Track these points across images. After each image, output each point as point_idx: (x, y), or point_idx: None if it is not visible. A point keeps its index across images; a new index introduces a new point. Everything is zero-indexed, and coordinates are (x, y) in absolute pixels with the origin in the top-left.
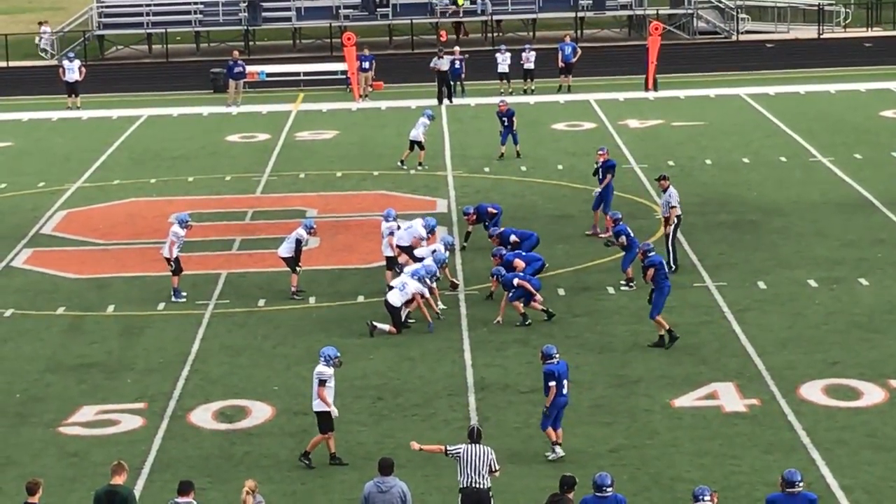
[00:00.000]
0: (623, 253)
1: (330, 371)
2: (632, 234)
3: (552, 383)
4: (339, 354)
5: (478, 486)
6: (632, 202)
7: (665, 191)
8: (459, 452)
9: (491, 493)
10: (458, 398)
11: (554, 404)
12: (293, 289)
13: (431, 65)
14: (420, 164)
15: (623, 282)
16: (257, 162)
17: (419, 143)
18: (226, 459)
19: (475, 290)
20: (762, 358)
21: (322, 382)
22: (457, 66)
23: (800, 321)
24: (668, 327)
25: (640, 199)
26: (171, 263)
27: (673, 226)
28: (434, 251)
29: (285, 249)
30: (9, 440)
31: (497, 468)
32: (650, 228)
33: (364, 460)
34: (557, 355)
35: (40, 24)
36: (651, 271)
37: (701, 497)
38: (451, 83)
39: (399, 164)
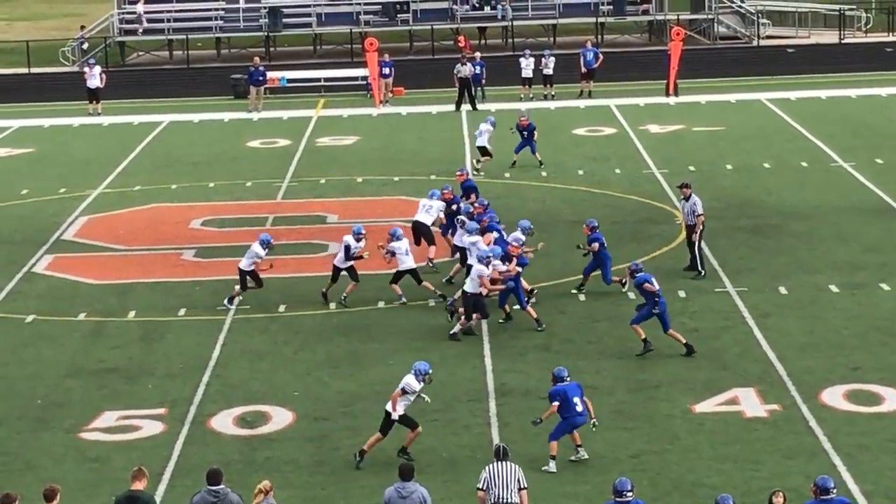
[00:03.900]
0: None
1: (417, 386)
2: (605, 244)
3: (555, 403)
4: (430, 371)
5: (507, 500)
6: (652, 207)
7: (687, 199)
8: (486, 477)
9: None
10: (479, 403)
11: (569, 423)
12: (344, 295)
13: (455, 71)
14: (476, 169)
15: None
16: (278, 167)
17: (484, 150)
18: (247, 465)
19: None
20: (783, 363)
21: (403, 392)
22: (477, 71)
23: (821, 326)
24: (643, 336)
25: (661, 204)
26: (253, 280)
27: (699, 232)
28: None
29: (340, 259)
30: (30, 445)
31: (525, 485)
32: (671, 234)
33: (385, 465)
34: (568, 378)
35: (82, 27)
36: (648, 285)
37: None
38: (473, 89)
39: (475, 171)
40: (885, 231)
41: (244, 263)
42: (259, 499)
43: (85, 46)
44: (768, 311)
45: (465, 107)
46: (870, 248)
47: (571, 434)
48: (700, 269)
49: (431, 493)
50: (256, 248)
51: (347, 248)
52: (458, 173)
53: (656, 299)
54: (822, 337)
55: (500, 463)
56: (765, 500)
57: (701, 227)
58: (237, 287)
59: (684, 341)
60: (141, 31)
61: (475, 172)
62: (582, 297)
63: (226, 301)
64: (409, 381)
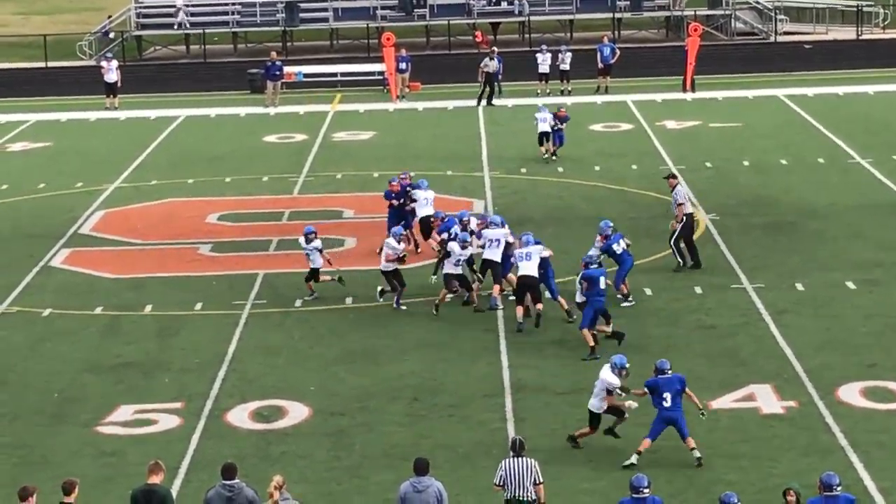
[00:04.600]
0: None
1: (617, 382)
2: (618, 252)
3: (644, 389)
4: (626, 365)
5: (521, 498)
6: (669, 203)
7: (673, 189)
8: (502, 474)
9: None
10: (495, 399)
11: (660, 417)
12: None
13: (482, 66)
14: (554, 154)
15: (619, 296)
16: (294, 162)
17: (547, 135)
18: (262, 459)
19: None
20: (800, 360)
21: (609, 392)
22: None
23: (837, 323)
24: (592, 343)
25: None
26: (394, 279)
27: (680, 225)
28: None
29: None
30: (46, 440)
31: (541, 480)
32: None
33: (400, 461)
34: (669, 371)
35: (109, 17)
36: (585, 284)
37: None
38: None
39: (553, 157)
40: None
41: (383, 265)
42: (276, 496)
43: (112, 35)
44: (785, 308)
45: (484, 101)
46: (886, 246)
47: (685, 440)
48: (680, 260)
49: (447, 488)
50: (392, 242)
51: (449, 254)
52: (401, 177)
53: (595, 297)
54: (839, 334)
55: (516, 458)
56: (782, 497)
57: (682, 220)
58: (394, 287)
59: (610, 329)
60: (177, 25)
61: (554, 158)
62: None
63: (379, 297)
64: (608, 378)
